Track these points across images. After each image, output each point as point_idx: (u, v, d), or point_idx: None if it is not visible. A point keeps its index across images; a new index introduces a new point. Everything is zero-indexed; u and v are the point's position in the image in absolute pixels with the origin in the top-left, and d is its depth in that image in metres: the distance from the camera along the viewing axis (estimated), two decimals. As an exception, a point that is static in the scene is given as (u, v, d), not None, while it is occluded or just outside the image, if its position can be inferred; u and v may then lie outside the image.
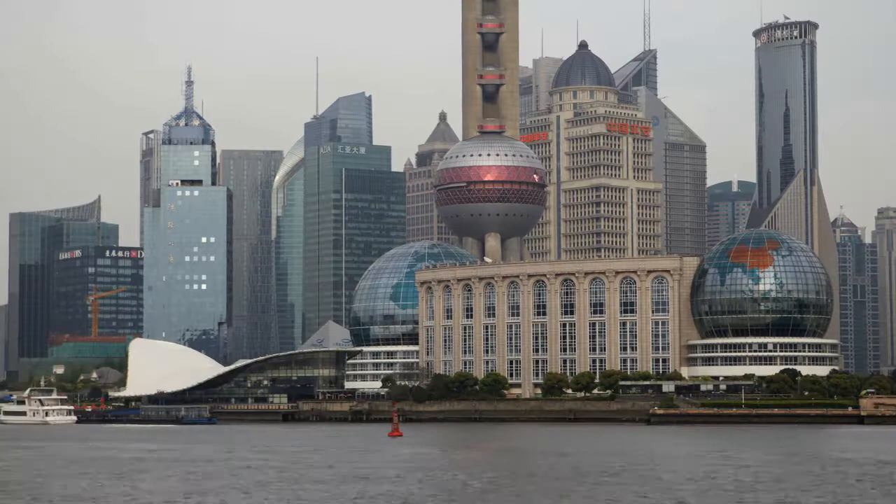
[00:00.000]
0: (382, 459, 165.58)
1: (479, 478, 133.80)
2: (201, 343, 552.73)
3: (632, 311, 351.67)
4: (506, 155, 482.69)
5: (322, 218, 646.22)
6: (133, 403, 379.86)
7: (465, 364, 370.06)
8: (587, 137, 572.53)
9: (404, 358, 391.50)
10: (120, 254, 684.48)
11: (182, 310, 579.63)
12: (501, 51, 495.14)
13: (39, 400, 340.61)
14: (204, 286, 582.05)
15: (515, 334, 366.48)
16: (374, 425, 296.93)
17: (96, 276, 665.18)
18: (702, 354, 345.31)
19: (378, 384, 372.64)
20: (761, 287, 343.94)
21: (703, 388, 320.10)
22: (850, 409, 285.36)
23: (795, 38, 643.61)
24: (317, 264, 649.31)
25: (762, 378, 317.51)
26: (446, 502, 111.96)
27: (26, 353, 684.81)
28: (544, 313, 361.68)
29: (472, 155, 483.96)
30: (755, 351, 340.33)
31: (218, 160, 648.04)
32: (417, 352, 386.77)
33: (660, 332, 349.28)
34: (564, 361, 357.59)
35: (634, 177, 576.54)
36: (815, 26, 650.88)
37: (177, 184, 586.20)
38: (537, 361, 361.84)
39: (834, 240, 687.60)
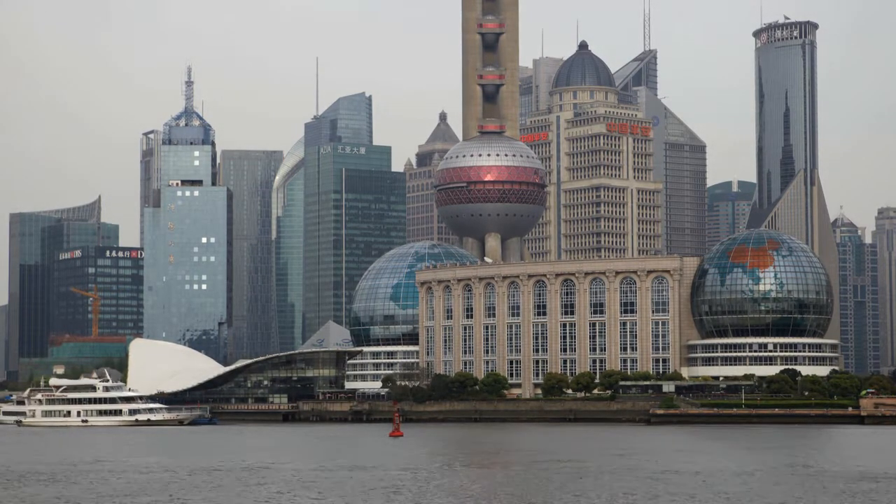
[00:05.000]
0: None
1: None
2: (201, 343, 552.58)
3: (632, 312, 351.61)
4: (506, 155, 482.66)
5: (322, 218, 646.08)
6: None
7: (466, 364, 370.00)
8: (587, 137, 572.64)
9: (404, 358, 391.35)
10: (120, 254, 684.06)
11: (182, 310, 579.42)
12: (501, 51, 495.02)
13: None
14: (204, 286, 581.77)
15: (515, 334, 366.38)
16: (374, 425, 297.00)
17: (96, 276, 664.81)
18: (702, 354, 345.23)
19: (378, 384, 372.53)
20: (761, 287, 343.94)
21: (703, 388, 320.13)
22: (850, 409, 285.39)
23: (795, 38, 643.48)
24: (317, 264, 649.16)
25: (762, 378, 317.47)
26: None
27: (26, 353, 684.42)
28: (544, 313, 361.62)
29: (472, 155, 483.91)
30: (755, 351, 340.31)
31: (218, 160, 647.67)
32: (417, 352, 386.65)
33: (660, 333, 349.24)
34: (564, 361, 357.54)
35: (634, 177, 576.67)
36: (815, 26, 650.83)
37: (177, 184, 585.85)
38: (537, 361, 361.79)
39: (834, 240, 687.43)
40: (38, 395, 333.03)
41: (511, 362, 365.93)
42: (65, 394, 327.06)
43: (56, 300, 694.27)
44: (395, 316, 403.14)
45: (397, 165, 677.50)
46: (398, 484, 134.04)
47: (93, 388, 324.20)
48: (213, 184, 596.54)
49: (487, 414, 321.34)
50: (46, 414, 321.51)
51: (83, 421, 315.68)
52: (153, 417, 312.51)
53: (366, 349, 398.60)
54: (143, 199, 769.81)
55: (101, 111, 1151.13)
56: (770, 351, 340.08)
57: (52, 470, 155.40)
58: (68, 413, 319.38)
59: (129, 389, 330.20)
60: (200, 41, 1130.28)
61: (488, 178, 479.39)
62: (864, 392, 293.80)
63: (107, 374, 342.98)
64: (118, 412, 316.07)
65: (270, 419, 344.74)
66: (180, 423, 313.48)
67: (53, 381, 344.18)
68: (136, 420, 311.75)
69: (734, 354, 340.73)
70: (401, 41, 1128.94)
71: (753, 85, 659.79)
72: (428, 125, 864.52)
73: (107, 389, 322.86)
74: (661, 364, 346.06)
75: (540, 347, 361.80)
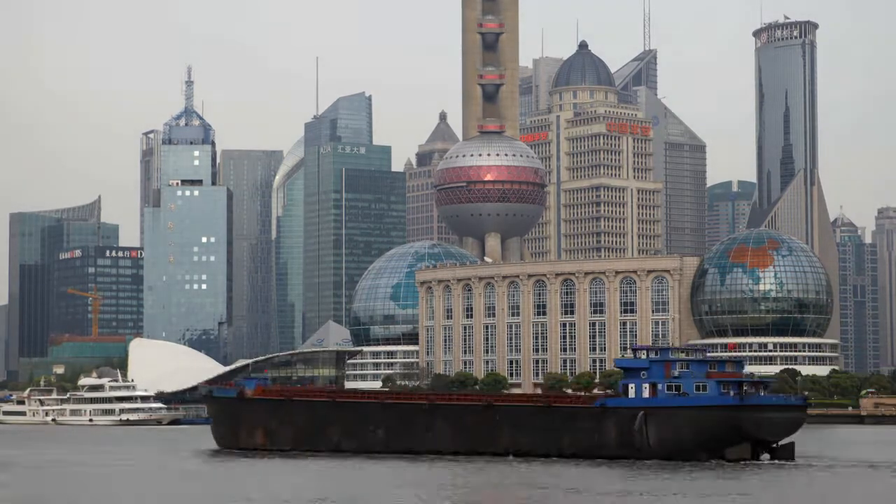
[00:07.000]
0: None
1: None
2: (201, 343, 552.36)
3: (632, 311, 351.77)
4: (506, 155, 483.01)
5: (322, 218, 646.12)
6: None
7: (465, 364, 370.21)
8: (587, 137, 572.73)
9: (404, 358, 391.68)
10: (120, 254, 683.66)
11: (182, 310, 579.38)
12: (501, 51, 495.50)
13: (39, 400, 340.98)
14: (204, 286, 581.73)
15: (515, 334, 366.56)
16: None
17: (96, 276, 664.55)
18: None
19: (378, 384, 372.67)
20: (761, 287, 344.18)
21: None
22: (850, 408, 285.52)
23: (795, 38, 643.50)
24: (317, 264, 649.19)
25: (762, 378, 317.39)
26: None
27: (26, 353, 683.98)
28: (544, 313, 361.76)
29: (472, 155, 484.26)
30: (755, 351, 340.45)
31: (218, 160, 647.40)
32: (417, 352, 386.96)
33: (660, 332, 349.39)
34: (564, 361, 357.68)
35: (634, 177, 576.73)
36: (815, 26, 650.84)
37: (177, 184, 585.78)
38: (537, 361, 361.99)
39: (834, 240, 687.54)
40: (68, 394, 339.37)
41: (511, 362, 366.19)
42: (83, 393, 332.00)
43: (56, 300, 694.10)
44: (395, 316, 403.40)
45: (397, 165, 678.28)
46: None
47: (101, 387, 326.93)
48: (213, 184, 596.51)
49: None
50: (74, 413, 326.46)
51: (90, 420, 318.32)
52: (131, 417, 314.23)
53: (366, 349, 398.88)
54: (143, 198, 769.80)
55: (101, 111, 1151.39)
56: (770, 351, 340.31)
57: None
58: (85, 412, 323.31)
59: (145, 390, 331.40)
60: (200, 41, 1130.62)
61: (488, 177, 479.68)
62: (864, 392, 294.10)
63: (118, 375, 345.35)
64: (113, 412, 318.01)
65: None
66: (158, 422, 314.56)
67: (82, 381, 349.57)
68: (120, 420, 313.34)
69: (734, 354, 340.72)
70: (401, 41, 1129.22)
71: (753, 85, 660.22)
72: (428, 125, 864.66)
73: (112, 389, 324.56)
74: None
75: (540, 347, 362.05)
